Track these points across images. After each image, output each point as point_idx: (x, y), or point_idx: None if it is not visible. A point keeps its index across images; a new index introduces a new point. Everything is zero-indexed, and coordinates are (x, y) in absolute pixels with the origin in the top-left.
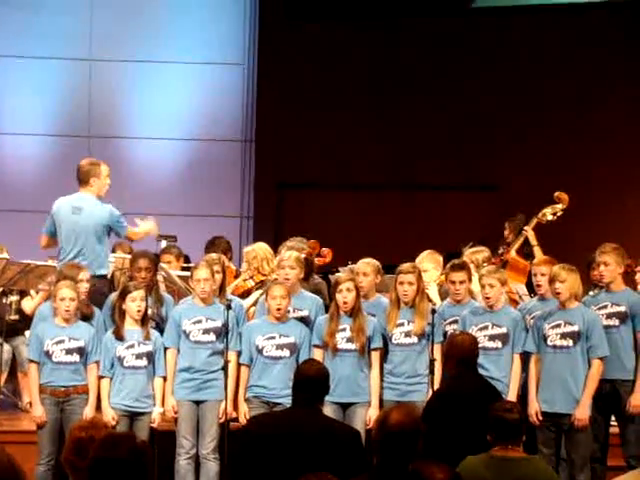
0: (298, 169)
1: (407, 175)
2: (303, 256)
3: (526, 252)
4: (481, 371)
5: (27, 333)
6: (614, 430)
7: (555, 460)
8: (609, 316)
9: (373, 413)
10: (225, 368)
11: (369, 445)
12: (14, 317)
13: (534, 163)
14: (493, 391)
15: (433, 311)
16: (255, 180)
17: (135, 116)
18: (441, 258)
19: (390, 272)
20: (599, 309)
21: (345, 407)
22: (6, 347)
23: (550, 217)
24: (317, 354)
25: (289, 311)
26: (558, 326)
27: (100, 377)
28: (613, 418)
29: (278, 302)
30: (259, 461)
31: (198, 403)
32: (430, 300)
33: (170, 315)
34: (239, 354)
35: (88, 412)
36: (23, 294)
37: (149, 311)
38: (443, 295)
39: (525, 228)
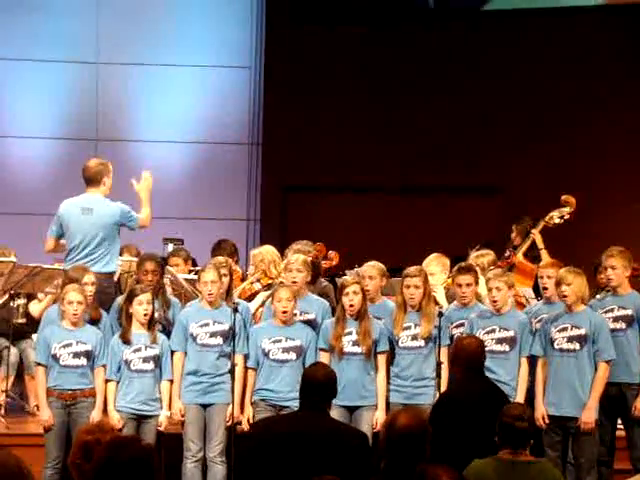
0: (305, 172)
1: (413, 178)
2: (310, 259)
3: (533, 255)
4: (488, 374)
5: (34, 336)
6: (620, 433)
7: (562, 463)
8: (616, 319)
9: (380, 416)
10: (232, 371)
11: (376, 448)
12: (21, 320)
13: (541, 166)
14: (500, 394)
15: (440, 314)
16: (262, 183)
17: (142, 119)
18: (448, 261)
19: (396, 275)
20: (605, 312)
21: (352, 410)
22: (13, 350)
23: (557, 220)
24: (324, 358)
25: (296, 314)
26: (565, 329)
27: (107, 381)
28: (619, 421)
29: (284, 305)
30: (267, 464)
31: (205, 406)
32: (437, 303)
33: (177, 318)
34: (246, 357)
35: (95, 415)
36: (30, 297)
37: (156, 314)
38: (450, 298)
39: (532, 231)
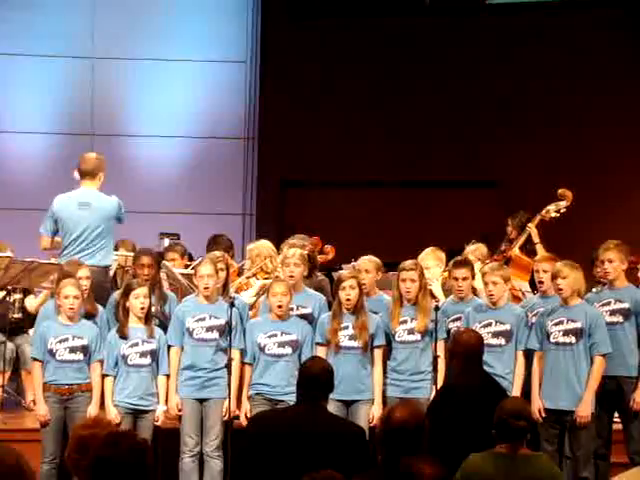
0: (301, 167)
1: (409, 172)
2: (306, 253)
3: (529, 249)
4: (485, 368)
5: (31, 331)
6: (617, 427)
7: (559, 457)
8: (613, 313)
9: (376, 410)
10: (228, 366)
11: (373, 442)
12: (17, 315)
13: (537, 160)
14: (499, 388)
15: (436, 308)
16: (258, 178)
17: (138, 114)
18: (443, 255)
19: (392, 269)
20: (602, 306)
21: (348, 404)
22: (9, 345)
23: (554, 214)
24: (320, 352)
25: (292, 309)
26: (561, 323)
27: (104, 375)
28: (616, 415)
29: (279, 299)
30: (264, 458)
31: (202, 401)
32: (434, 296)
33: (174, 313)
34: (242, 352)
35: (92, 410)
36: (27, 292)
37: (152, 309)
38: (446, 292)
39: (529, 225)
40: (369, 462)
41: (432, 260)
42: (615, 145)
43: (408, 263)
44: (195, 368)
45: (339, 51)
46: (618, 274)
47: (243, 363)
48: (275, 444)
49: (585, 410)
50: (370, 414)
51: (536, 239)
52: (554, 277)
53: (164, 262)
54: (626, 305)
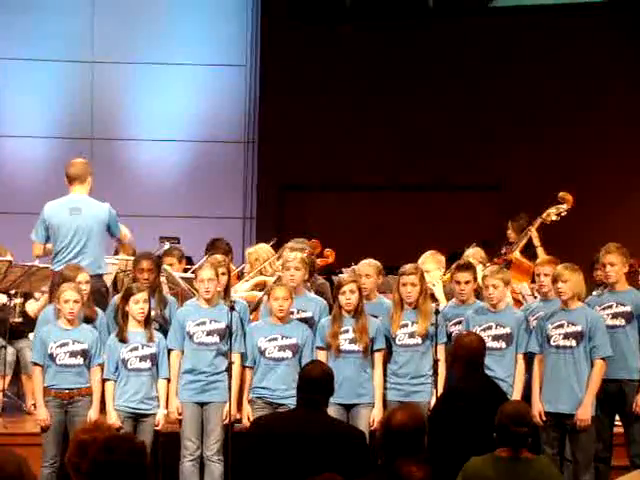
0: (300, 170)
1: (409, 176)
2: (305, 256)
3: (530, 252)
4: (485, 371)
5: (31, 335)
6: (619, 430)
7: (559, 460)
8: (614, 316)
9: (377, 414)
10: (229, 370)
11: (373, 445)
12: (18, 320)
13: (537, 163)
14: (500, 392)
15: (436, 312)
16: (257, 181)
17: (137, 118)
18: (443, 258)
19: (392, 273)
20: (604, 309)
21: (349, 408)
22: (10, 349)
23: (554, 217)
24: (321, 356)
25: (293, 312)
26: (561, 326)
27: (105, 380)
28: (617, 418)
29: (280, 303)
30: (265, 462)
31: (202, 405)
32: (436, 299)
33: (174, 317)
34: (243, 356)
35: (92, 414)
36: (27, 296)
37: (152, 313)
38: (447, 295)
39: (529, 228)
40: (369, 465)
41: (432, 263)
42: (615, 147)
43: (408, 267)
44: (195, 372)
45: (339, 54)
46: (619, 277)
47: (243, 367)
48: (276, 447)
49: (585, 413)
50: (371, 418)
51: (537, 242)
52: (554, 280)
53: (164, 266)
54: (628, 308)
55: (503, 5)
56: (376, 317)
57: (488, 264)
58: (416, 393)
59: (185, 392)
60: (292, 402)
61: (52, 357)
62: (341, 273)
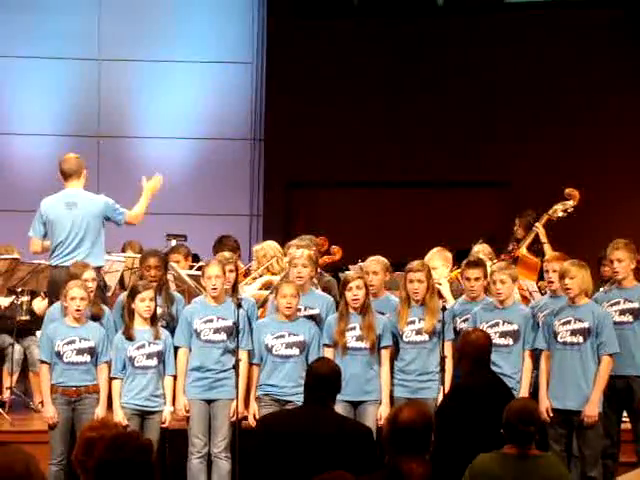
0: (307, 167)
1: (417, 173)
2: (313, 254)
3: (536, 249)
4: (492, 368)
5: (38, 333)
6: (626, 426)
7: (567, 456)
8: (622, 312)
9: (384, 411)
10: (236, 367)
11: (380, 442)
12: (25, 317)
13: (545, 159)
14: (506, 389)
15: (444, 308)
16: (264, 179)
17: (144, 116)
18: (450, 255)
19: (399, 270)
20: (611, 305)
21: (356, 405)
22: (17, 347)
23: (561, 214)
24: (328, 353)
25: (300, 309)
26: (568, 323)
27: (112, 378)
28: (625, 414)
29: (288, 301)
30: (272, 459)
31: (209, 402)
32: (442, 297)
33: (181, 314)
34: (250, 353)
35: (99, 412)
36: (34, 294)
37: (159, 310)
38: (454, 292)
39: (536, 225)
40: (376, 462)
41: (439, 260)
42: (622, 144)
43: (415, 264)
44: (203, 369)
45: (346, 52)
46: (627, 273)
47: (251, 364)
48: (283, 445)
49: (593, 410)
50: (378, 414)
51: (543, 239)
52: (562, 277)
53: (171, 263)
54: (635, 305)
55: (516, 1)
56: (383, 314)
57: (495, 260)
58: (423, 390)
59: (192, 389)
60: (299, 399)
61: (59, 355)
62: (348, 270)
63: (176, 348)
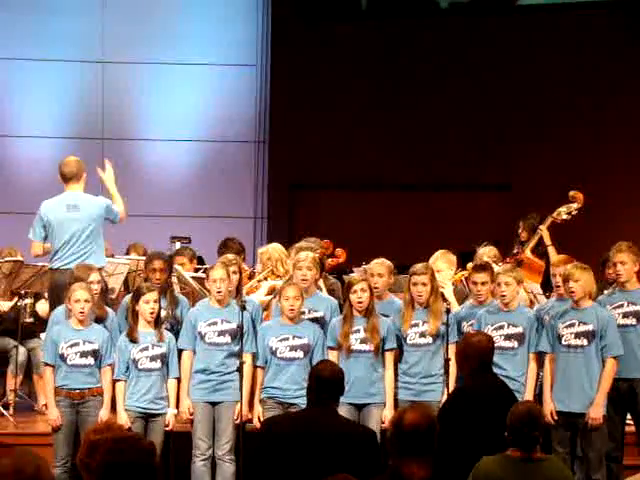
0: (311, 170)
1: (420, 175)
2: (317, 256)
3: (541, 251)
4: (497, 370)
5: (42, 335)
6: (630, 429)
7: (570, 459)
8: (625, 315)
9: (388, 413)
10: (240, 369)
11: (384, 445)
12: (29, 320)
13: (548, 162)
14: (509, 392)
15: (448, 311)
16: (268, 181)
17: (148, 118)
18: (455, 258)
19: (403, 272)
20: (615, 308)
21: (360, 408)
22: (21, 349)
23: (565, 216)
24: (332, 356)
25: (304, 312)
26: (572, 325)
27: (116, 380)
28: (629, 417)
29: (291, 303)
30: (276, 462)
31: (214, 404)
32: (445, 300)
33: (186, 317)
34: (254, 355)
35: (103, 414)
36: (38, 297)
37: (163, 313)
38: (457, 295)
39: (540, 227)
40: (380, 465)
41: (443, 263)
42: (625, 146)
43: (419, 267)
44: (207, 372)
45: (350, 54)
46: (630, 276)
47: (255, 366)
48: (287, 448)
49: (597, 412)
50: (382, 417)
51: (548, 241)
52: (565, 280)
53: (175, 266)
54: (639, 307)
55: (519, 4)
56: (387, 316)
57: (500, 263)
58: (427, 392)
59: (197, 392)
60: (303, 402)
61: (63, 357)
62: (352, 272)
63: (180, 351)
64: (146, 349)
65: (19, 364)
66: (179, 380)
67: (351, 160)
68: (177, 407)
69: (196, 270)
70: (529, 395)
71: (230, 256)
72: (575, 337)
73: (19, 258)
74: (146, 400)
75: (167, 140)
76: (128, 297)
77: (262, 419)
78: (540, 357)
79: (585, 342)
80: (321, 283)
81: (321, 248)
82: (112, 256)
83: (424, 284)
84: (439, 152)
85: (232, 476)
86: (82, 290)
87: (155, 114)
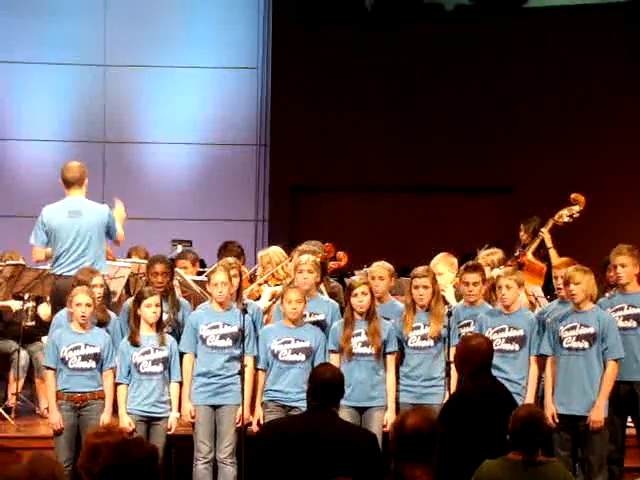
0: (312, 172)
1: (421, 177)
2: (318, 259)
3: (542, 254)
4: (498, 373)
5: (44, 339)
6: (631, 432)
7: (572, 462)
8: (626, 318)
9: (389, 417)
10: (242, 372)
11: (386, 449)
12: (30, 323)
13: (550, 164)
14: (508, 395)
15: (449, 314)
16: (269, 184)
17: (150, 121)
18: (456, 260)
19: (404, 275)
20: (615, 311)
21: (361, 411)
22: (23, 353)
23: (566, 219)
24: (333, 359)
25: (305, 315)
26: (573, 328)
27: (118, 384)
28: (630, 419)
29: (294, 306)
30: (276, 465)
31: (215, 408)
32: (446, 303)
33: (187, 320)
34: (256, 359)
35: (105, 418)
36: (39, 300)
37: (165, 316)
38: (459, 297)
39: (541, 230)
40: (381, 468)
41: (444, 266)
42: (627, 148)
43: (420, 270)
44: (209, 375)
45: (351, 56)
46: (631, 279)
47: (256, 369)
48: (287, 451)
49: (598, 415)
50: (383, 420)
51: (549, 244)
52: (566, 283)
53: (177, 269)
54: (639, 310)
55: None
56: (388, 319)
57: (502, 266)
58: (428, 395)
59: (198, 395)
60: (304, 405)
61: (64, 361)
62: (353, 275)
63: (182, 354)
64: (148, 353)
65: (21, 367)
66: (181, 384)
67: (352, 163)
68: (179, 411)
69: (199, 273)
70: (530, 398)
71: (230, 259)
72: (576, 340)
73: (20, 262)
74: (148, 404)
75: (168, 143)
76: (130, 301)
77: (262, 422)
78: (541, 360)
79: (586, 345)
80: (322, 286)
81: (323, 252)
82: (113, 259)
83: (425, 287)
84: (441, 154)
85: (234, 479)
86: (83, 294)
87: (157, 117)
